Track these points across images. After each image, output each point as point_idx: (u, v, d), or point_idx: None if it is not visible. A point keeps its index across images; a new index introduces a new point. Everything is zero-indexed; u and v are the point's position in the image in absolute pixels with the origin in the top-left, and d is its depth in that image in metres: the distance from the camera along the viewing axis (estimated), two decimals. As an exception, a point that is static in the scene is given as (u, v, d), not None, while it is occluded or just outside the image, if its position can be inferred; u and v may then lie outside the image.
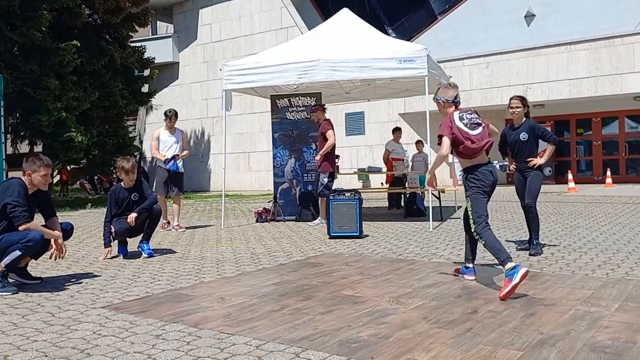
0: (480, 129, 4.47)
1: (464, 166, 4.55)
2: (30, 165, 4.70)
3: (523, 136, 5.87)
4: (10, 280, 4.69)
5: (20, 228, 4.50)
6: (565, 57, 16.90)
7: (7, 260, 4.49)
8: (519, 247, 6.12)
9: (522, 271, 3.97)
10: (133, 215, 5.99)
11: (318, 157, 8.82)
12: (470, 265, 4.67)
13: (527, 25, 19.25)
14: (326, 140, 8.75)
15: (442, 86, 4.94)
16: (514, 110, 5.92)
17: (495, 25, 19.31)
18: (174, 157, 8.58)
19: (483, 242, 4.33)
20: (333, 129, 8.88)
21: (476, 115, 4.56)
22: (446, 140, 4.42)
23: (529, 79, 17.39)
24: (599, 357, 2.76)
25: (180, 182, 8.84)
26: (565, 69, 16.89)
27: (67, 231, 5.05)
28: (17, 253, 4.49)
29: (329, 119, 9.10)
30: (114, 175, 21.64)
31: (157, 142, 8.75)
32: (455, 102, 4.68)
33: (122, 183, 6.25)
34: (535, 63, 17.36)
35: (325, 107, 9.30)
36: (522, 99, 5.97)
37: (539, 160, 5.83)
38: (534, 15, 19.11)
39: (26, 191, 4.66)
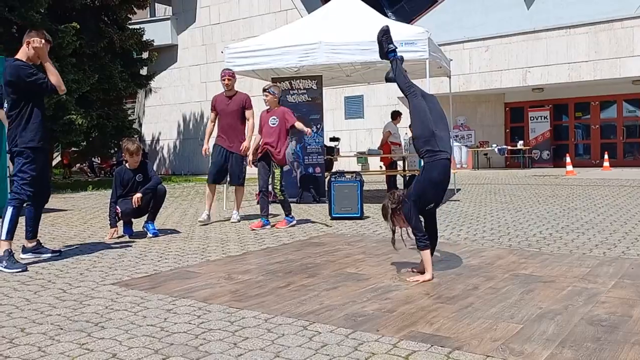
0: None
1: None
2: (29, 35, 4.96)
3: None
4: (23, 261, 4.78)
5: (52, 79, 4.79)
6: (564, 41, 16.91)
7: (5, 228, 4.53)
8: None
9: (294, 221, 6.95)
10: (137, 195, 6.08)
11: (247, 144, 7.34)
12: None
13: (527, 9, 19.21)
14: (243, 115, 7.32)
15: (274, 85, 7.19)
16: None
17: (495, 9, 19.27)
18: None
19: (285, 195, 7.01)
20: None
21: None
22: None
23: (529, 62, 17.41)
24: (595, 330, 2.87)
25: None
26: (564, 52, 16.91)
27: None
28: (10, 212, 4.56)
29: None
30: (113, 159, 21.69)
31: None
32: (281, 99, 7.08)
33: (126, 164, 6.33)
34: (534, 47, 17.36)
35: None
36: None
37: None
38: (534, -2, 19.07)
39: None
